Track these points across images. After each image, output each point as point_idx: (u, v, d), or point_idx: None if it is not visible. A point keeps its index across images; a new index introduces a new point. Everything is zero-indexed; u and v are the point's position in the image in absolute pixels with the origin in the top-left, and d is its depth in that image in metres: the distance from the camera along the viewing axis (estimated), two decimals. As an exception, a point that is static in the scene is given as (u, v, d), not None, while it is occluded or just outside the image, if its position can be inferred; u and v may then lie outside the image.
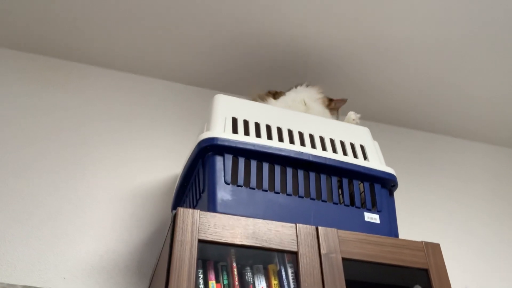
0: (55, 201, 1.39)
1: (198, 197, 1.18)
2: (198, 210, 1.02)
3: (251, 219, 1.05)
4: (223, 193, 1.10)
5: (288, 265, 1.04)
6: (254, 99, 1.48)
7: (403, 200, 1.71)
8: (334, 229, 1.10)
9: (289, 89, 1.51)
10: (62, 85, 1.66)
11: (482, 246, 1.76)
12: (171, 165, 1.58)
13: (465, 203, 1.89)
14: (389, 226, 1.21)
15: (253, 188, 1.13)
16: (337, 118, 1.49)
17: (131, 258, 1.35)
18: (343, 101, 1.50)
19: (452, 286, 1.10)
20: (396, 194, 1.32)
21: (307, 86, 1.51)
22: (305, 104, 1.43)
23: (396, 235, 1.23)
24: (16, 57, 1.67)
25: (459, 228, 1.79)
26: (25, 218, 1.34)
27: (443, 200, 1.85)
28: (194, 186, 1.23)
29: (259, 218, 1.07)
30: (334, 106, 1.48)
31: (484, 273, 1.68)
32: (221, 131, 1.18)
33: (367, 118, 1.97)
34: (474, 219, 1.84)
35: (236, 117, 1.24)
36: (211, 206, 1.07)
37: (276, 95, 1.49)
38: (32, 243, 1.30)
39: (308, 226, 1.08)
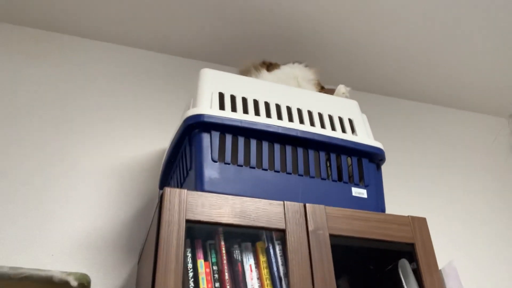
0: (40, 178, 1.37)
1: (185, 174, 1.17)
2: (185, 190, 1.01)
3: (238, 198, 1.04)
4: (211, 171, 1.09)
5: (276, 242, 1.05)
6: (248, 68, 1.46)
7: (389, 171, 1.72)
8: (321, 206, 1.10)
9: (285, 63, 1.48)
10: (43, 57, 1.61)
11: (469, 219, 1.79)
12: (158, 138, 1.57)
13: (452, 174, 1.90)
14: (376, 201, 1.22)
15: (241, 165, 1.12)
16: None
17: (119, 234, 1.35)
18: (333, 91, 1.48)
19: (438, 259, 1.12)
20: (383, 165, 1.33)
21: (305, 66, 1.48)
22: (297, 81, 1.41)
23: (383, 209, 1.24)
24: (-6, 28, 1.61)
25: (445, 201, 1.80)
26: (11, 196, 1.32)
27: (430, 171, 1.86)
28: (181, 163, 1.22)
29: (247, 195, 1.07)
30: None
31: (470, 246, 1.70)
32: (207, 107, 1.16)
33: (355, 88, 1.96)
34: (461, 191, 1.86)
35: (223, 92, 1.22)
36: (199, 184, 1.06)
37: (270, 66, 1.47)
38: (19, 221, 1.29)
39: (296, 204, 1.08)
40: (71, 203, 1.36)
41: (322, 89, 1.49)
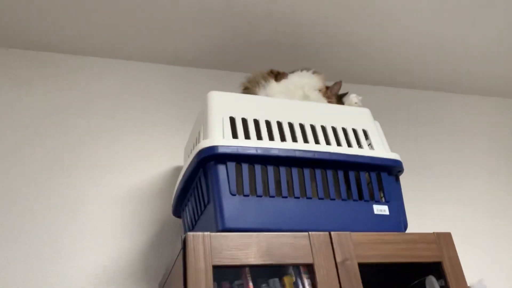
0: (48, 214, 1.33)
1: (202, 207, 1.13)
2: (209, 233, 0.97)
3: (263, 234, 1.01)
4: (230, 206, 1.05)
5: (304, 276, 1.02)
6: (256, 77, 1.41)
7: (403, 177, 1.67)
8: (347, 233, 1.07)
9: (293, 71, 1.43)
10: (36, 81, 1.53)
11: (496, 226, 1.69)
12: (167, 157, 1.52)
13: (474, 171, 1.81)
14: (398, 217, 1.19)
15: (260, 196, 1.08)
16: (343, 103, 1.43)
17: (137, 264, 1.32)
18: (338, 84, 1.43)
19: (466, 275, 1.10)
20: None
21: (313, 73, 1.42)
22: (303, 91, 1.36)
23: (406, 224, 1.22)
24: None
25: (469, 206, 1.71)
26: (21, 237, 1.28)
27: (448, 170, 1.79)
28: (196, 193, 1.18)
29: (269, 228, 1.04)
30: (331, 93, 1.41)
31: (499, 258, 1.63)
32: (220, 137, 1.11)
33: (362, 82, 1.92)
34: (486, 192, 1.76)
35: (234, 116, 1.17)
36: (220, 222, 1.03)
37: (278, 76, 1.42)
38: (32, 263, 1.25)
39: (321, 234, 1.05)
40: (84, 237, 1.32)
41: (326, 89, 1.45)
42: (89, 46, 1.60)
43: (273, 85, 1.39)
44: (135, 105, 1.58)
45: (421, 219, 1.50)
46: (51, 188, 1.37)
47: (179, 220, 1.37)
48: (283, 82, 1.40)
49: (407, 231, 1.21)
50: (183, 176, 1.21)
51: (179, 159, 1.50)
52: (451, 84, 2.03)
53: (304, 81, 1.40)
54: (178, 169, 1.49)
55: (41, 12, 1.45)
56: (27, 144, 1.42)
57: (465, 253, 1.29)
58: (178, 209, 1.33)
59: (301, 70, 1.45)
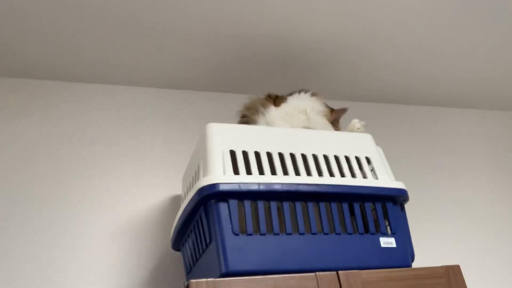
0: (44, 254, 1.28)
1: (204, 246, 1.09)
2: (213, 279, 0.93)
3: (268, 278, 0.97)
4: (234, 247, 1.01)
5: (312, 319, 0.99)
6: (254, 103, 1.37)
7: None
8: (355, 272, 1.04)
9: (291, 93, 1.40)
10: (26, 110, 1.48)
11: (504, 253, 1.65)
12: (164, 185, 1.47)
13: (478, 190, 1.77)
14: (405, 248, 1.16)
15: (264, 234, 1.04)
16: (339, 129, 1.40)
17: (136, 302, 1.28)
18: (343, 110, 1.39)
19: (476, 310, 1.08)
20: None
21: (312, 95, 1.39)
22: (306, 114, 1.32)
23: (413, 254, 1.19)
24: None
25: (472, 233, 1.64)
26: (17, 276, 1.23)
27: (447, 188, 1.77)
28: (197, 232, 1.13)
29: (274, 268, 1.00)
30: (335, 117, 1.38)
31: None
32: (220, 173, 1.07)
33: (357, 99, 1.89)
34: (489, 213, 1.72)
35: (234, 150, 1.13)
36: (224, 264, 0.99)
37: (276, 100, 1.37)
38: (28, 305, 1.20)
39: (329, 274, 1.02)
40: (81, 274, 1.28)
41: (332, 111, 1.42)
42: (81, 72, 1.55)
43: (273, 110, 1.35)
44: (129, 131, 1.54)
45: (424, 247, 1.47)
46: (45, 225, 1.32)
47: (179, 253, 1.33)
48: (283, 107, 1.37)
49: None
50: (183, 212, 1.16)
51: (177, 187, 1.46)
52: (450, 99, 2.01)
53: (305, 104, 1.37)
54: (176, 198, 1.45)
55: (32, 39, 1.40)
56: (17, 177, 1.36)
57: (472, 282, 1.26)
58: (177, 244, 1.28)
59: (299, 92, 1.41)
